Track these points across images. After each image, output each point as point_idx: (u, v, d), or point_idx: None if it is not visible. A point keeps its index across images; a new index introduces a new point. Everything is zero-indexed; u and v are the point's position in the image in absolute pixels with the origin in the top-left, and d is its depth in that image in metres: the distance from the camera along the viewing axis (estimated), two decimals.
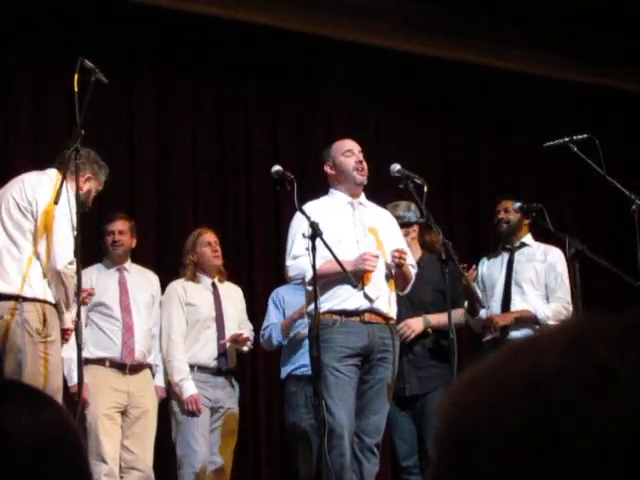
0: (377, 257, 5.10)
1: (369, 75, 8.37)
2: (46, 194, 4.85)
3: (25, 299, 4.73)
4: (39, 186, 4.91)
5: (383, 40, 8.32)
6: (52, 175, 4.99)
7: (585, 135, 5.61)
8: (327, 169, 5.43)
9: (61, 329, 4.87)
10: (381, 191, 7.05)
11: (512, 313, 5.97)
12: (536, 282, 6.07)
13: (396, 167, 5.39)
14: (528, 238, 6.23)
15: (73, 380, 5.65)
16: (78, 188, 4.84)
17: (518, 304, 6.04)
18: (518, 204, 6.06)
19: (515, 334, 5.95)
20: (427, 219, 5.44)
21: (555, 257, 6.09)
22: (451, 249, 5.26)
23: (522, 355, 0.77)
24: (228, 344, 6.10)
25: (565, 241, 5.61)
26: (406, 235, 5.80)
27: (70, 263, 4.76)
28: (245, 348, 6.23)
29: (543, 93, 8.93)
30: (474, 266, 5.83)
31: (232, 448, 6.16)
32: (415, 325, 5.72)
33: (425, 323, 5.75)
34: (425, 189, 5.23)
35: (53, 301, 4.78)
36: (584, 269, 5.79)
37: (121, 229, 6.16)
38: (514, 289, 6.07)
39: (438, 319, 5.73)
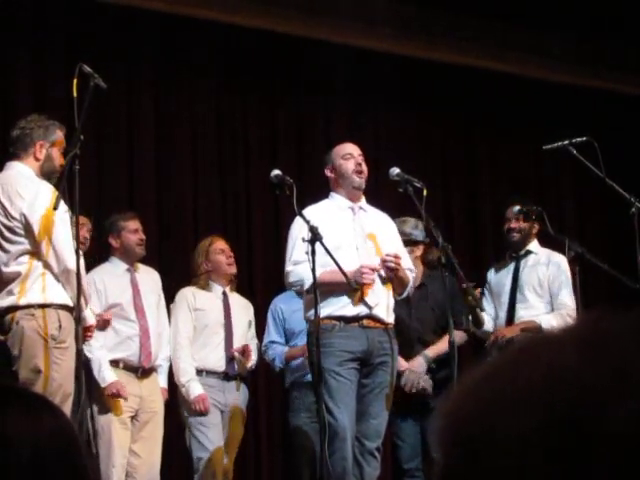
0: (375, 270, 5.10)
1: (368, 78, 8.38)
2: (37, 203, 4.74)
3: (42, 306, 4.70)
4: (20, 198, 4.77)
5: (381, 43, 8.33)
6: (24, 174, 4.85)
7: (584, 138, 5.61)
8: (327, 172, 5.42)
9: (84, 327, 4.81)
10: (380, 194, 7.05)
11: (518, 325, 5.94)
12: (539, 289, 6.05)
13: (395, 171, 5.38)
14: (534, 245, 6.19)
15: (106, 380, 5.68)
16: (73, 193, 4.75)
17: (521, 312, 6.02)
18: (517, 207, 6.04)
19: None
20: (427, 222, 5.43)
21: (559, 263, 6.05)
22: (451, 252, 5.25)
23: (537, 355, 0.76)
24: (236, 354, 6.06)
25: (565, 244, 5.61)
26: (410, 252, 5.77)
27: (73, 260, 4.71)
28: (248, 365, 6.15)
29: (541, 96, 8.94)
30: (479, 289, 5.86)
31: (236, 448, 6.15)
32: (418, 369, 5.72)
33: (426, 361, 5.75)
34: (424, 193, 5.22)
35: (70, 304, 4.72)
36: (583, 271, 5.79)
37: (142, 227, 6.11)
38: (518, 297, 6.05)
39: (436, 350, 5.77)
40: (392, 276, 5.18)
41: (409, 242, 5.77)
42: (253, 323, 6.35)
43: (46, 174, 4.88)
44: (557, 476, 0.71)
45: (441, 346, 5.71)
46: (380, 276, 5.17)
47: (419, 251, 5.93)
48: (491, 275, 6.26)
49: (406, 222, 5.89)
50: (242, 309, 6.27)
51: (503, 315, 6.08)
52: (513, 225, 6.13)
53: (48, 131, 4.91)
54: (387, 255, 5.15)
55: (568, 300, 5.97)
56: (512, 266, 6.17)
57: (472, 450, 0.75)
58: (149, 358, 5.90)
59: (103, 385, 5.66)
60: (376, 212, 5.48)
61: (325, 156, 5.54)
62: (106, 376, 5.70)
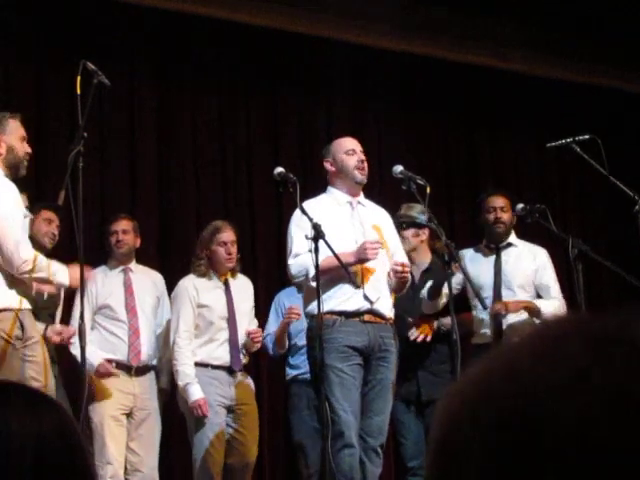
0: (378, 244, 5.08)
1: (371, 76, 8.37)
2: None
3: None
4: None
5: (384, 41, 8.32)
6: None
7: (588, 135, 5.60)
8: (327, 166, 5.39)
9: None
10: (384, 191, 7.05)
11: (521, 302, 5.90)
12: (526, 285, 6.03)
13: (398, 168, 5.37)
14: (513, 237, 6.18)
15: (94, 365, 5.74)
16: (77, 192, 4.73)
17: None
18: (521, 205, 6.03)
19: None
20: (430, 220, 5.43)
21: (543, 258, 6.09)
22: (454, 250, 5.25)
23: (501, 357, 0.78)
24: (242, 340, 6.02)
25: (568, 242, 5.59)
26: (416, 236, 5.84)
27: (24, 262, 4.63)
28: (254, 348, 6.14)
29: (545, 94, 8.93)
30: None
31: (254, 448, 6.07)
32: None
33: (438, 323, 5.76)
34: (428, 190, 5.21)
35: (29, 307, 4.70)
36: (587, 269, 5.78)
37: (124, 229, 6.15)
38: (505, 292, 6.01)
39: (446, 320, 5.74)
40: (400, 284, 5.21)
41: (414, 225, 5.80)
42: (253, 304, 6.26)
43: (12, 165, 4.82)
44: (512, 473, 0.72)
45: (449, 321, 5.73)
46: (389, 285, 5.19)
47: (424, 235, 5.95)
48: (466, 260, 6.10)
49: (413, 207, 5.91)
50: (244, 295, 6.18)
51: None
52: (499, 215, 6.08)
53: (1, 125, 4.85)
54: (397, 264, 5.14)
55: (558, 292, 6.02)
56: (492, 258, 6.10)
57: (446, 456, 0.77)
58: (138, 357, 5.97)
59: (92, 371, 5.68)
60: (374, 206, 5.48)
61: (324, 148, 5.52)
62: (93, 361, 5.72)
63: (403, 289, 5.34)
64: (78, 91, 4.67)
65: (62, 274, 4.82)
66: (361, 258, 5.01)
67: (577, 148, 5.61)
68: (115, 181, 7.43)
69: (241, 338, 6.04)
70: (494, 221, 6.09)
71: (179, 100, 7.82)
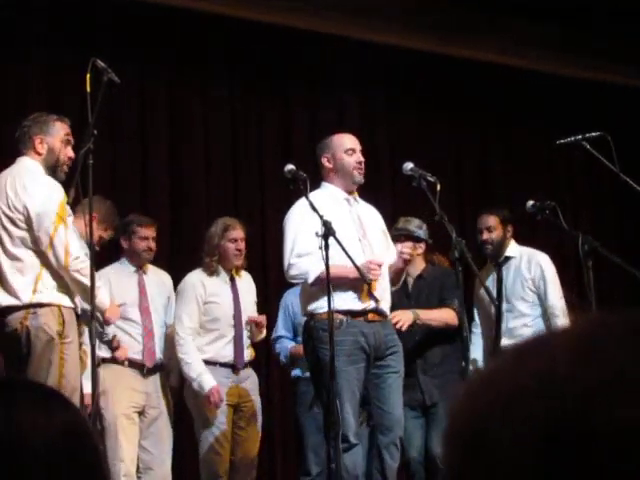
0: (381, 265, 5.09)
1: (381, 74, 8.37)
2: (37, 195, 4.74)
3: (41, 305, 4.70)
4: (24, 189, 4.76)
5: (394, 39, 8.32)
6: (31, 168, 4.84)
7: (598, 132, 5.58)
8: (325, 162, 5.36)
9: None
10: (394, 187, 7.05)
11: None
12: (525, 295, 6.06)
13: (409, 166, 5.36)
14: (511, 248, 6.20)
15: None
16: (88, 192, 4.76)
17: (512, 322, 6.03)
18: (531, 202, 6.01)
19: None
20: (440, 217, 5.42)
21: (539, 263, 6.10)
22: (464, 247, 5.24)
23: (534, 356, 0.77)
24: (247, 333, 6.04)
25: (578, 239, 5.57)
26: (413, 249, 5.87)
27: (75, 259, 4.71)
28: (259, 337, 6.16)
29: (555, 91, 8.91)
30: None
31: (257, 443, 6.10)
32: (405, 317, 5.65)
33: (414, 315, 5.72)
34: (438, 187, 5.20)
35: (71, 305, 4.76)
36: (597, 266, 5.76)
37: (154, 235, 6.16)
38: (506, 307, 6.04)
39: (427, 313, 5.77)
40: (397, 269, 5.30)
41: (411, 238, 5.86)
42: (255, 300, 6.27)
43: (50, 167, 4.87)
44: (550, 474, 0.72)
45: (432, 313, 5.78)
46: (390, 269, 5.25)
47: (421, 249, 6.04)
48: (477, 286, 6.18)
49: (411, 221, 5.99)
50: (248, 294, 6.20)
51: (490, 322, 6.06)
52: (485, 237, 6.15)
53: (46, 125, 4.89)
54: (404, 247, 5.21)
55: (556, 300, 6.01)
56: (494, 275, 6.17)
57: (472, 448, 0.76)
58: (153, 358, 5.98)
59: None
60: (367, 204, 5.48)
61: (320, 143, 5.47)
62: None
63: (400, 280, 5.45)
64: (88, 89, 4.68)
65: (104, 295, 4.89)
66: (363, 277, 4.98)
67: (587, 145, 5.59)
68: (125, 179, 7.44)
69: (246, 334, 6.05)
70: (481, 243, 6.18)
71: (190, 98, 7.82)
